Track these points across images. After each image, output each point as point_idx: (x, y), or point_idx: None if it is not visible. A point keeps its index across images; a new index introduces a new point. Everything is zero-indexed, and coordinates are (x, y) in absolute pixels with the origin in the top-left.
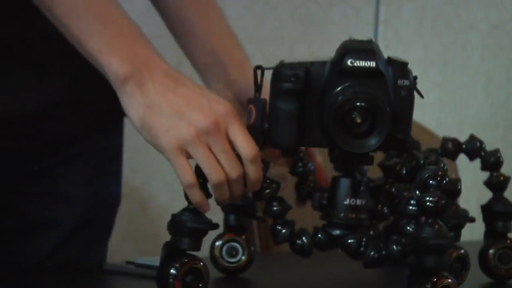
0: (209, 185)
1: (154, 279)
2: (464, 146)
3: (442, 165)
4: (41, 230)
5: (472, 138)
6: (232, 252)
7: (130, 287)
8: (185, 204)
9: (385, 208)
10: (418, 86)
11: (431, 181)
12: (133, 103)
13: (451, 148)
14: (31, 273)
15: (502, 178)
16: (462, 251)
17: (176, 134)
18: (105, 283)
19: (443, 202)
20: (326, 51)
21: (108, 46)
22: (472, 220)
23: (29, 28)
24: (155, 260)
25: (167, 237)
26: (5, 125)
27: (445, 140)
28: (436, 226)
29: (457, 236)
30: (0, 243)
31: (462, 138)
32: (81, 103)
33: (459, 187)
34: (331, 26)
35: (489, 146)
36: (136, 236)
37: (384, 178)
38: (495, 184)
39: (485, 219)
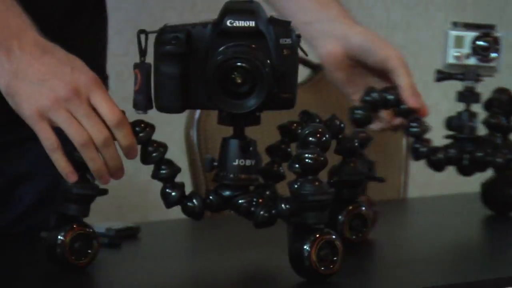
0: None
1: None
2: None
3: (337, 122)
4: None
5: None
6: None
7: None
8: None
9: (281, 168)
10: None
11: (310, 138)
12: (0, 70)
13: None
14: None
15: None
16: (363, 208)
17: (36, 100)
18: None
19: (321, 158)
20: None
21: None
22: (382, 180)
23: None
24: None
25: (130, 207)
26: None
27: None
28: (316, 183)
29: (355, 193)
30: None
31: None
32: None
33: (355, 144)
34: None
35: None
36: (100, 209)
37: (281, 138)
38: None
39: None
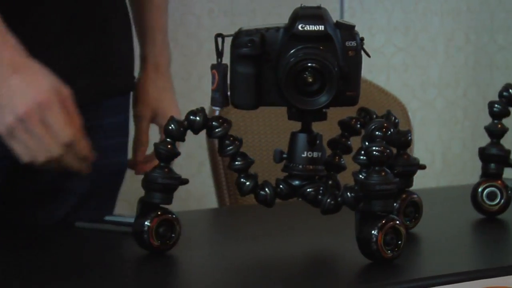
0: None
1: (120, 233)
2: None
3: (393, 118)
4: (55, 197)
5: None
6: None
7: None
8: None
9: (342, 160)
10: (384, 51)
11: (377, 133)
12: None
13: None
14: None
15: None
16: (415, 196)
17: (2, 122)
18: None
19: (388, 151)
20: None
21: None
22: (423, 167)
23: None
24: (121, 217)
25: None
26: None
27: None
28: (383, 173)
29: (409, 182)
30: (17, 208)
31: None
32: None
33: (409, 138)
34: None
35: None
36: (129, 198)
37: (341, 133)
38: None
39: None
